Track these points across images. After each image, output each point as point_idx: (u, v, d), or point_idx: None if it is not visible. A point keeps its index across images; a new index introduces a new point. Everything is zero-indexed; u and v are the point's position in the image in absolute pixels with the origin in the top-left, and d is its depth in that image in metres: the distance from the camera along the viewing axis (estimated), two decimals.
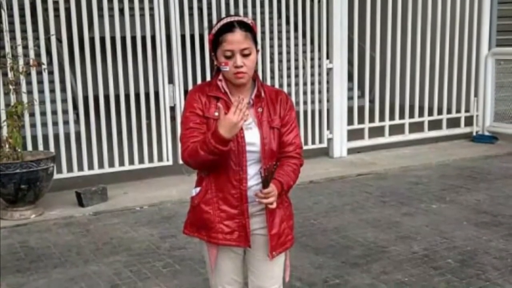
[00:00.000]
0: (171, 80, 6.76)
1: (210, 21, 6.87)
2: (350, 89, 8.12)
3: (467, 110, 8.70)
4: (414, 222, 5.15)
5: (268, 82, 7.30)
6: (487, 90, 8.58)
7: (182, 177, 6.42)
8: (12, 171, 5.24)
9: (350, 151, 7.81)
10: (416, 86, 8.26)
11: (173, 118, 6.77)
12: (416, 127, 8.37)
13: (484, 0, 8.54)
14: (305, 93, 7.77)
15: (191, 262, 4.32)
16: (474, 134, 8.63)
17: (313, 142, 7.62)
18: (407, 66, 8.20)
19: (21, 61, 5.69)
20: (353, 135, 7.88)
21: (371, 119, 8.01)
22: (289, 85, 7.46)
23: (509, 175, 6.63)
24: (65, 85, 6.40)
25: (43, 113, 6.23)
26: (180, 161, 2.42)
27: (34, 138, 6.15)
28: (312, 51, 8.14)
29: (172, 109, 6.78)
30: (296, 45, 7.52)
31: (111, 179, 6.46)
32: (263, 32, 7.40)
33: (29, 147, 6.05)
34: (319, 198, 5.94)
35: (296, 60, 7.56)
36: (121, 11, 6.56)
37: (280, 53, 7.61)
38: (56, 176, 5.92)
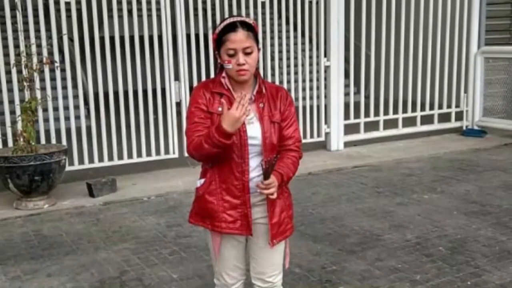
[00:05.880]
0: (177, 77, 6.74)
1: (214, 21, 6.85)
2: (347, 85, 8.09)
3: (457, 106, 8.67)
4: (407, 211, 5.15)
5: (269, 79, 7.28)
6: (476, 87, 8.56)
7: (187, 169, 6.41)
8: (26, 163, 5.24)
9: (347, 144, 7.80)
10: (409, 82, 8.23)
11: (178, 113, 6.76)
12: (409, 121, 8.34)
13: (473, 1, 8.50)
14: (304, 89, 7.75)
15: (196, 250, 4.32)
16: (464, 128, 8.61)
17: (312, 136, 7.61)
18: (400, 64, 8.18)
19: (35, 59, 5.67)
20: (349, 129, 7.86)
21: (367, 114, 7.99)
22: (288, 81, 7.44)
23: (497, 167, 6.62)
24: (77, 82, 6.41)
25: (55, 109, 6.23)
26: (186, 154, 2.40)
27: (47, 132, 6.15)
28: (310, 49, 8.12)
29: (178, 104, 6.78)
30: (295, 44, 7.48)
31: (120, 171, 6.46)
32: (264, 32, 7.38)
33: (43, 140, 6.05)
34: (317, 189, 5.94)
35: (296, 58, 7.53)
36: (130, 11, 6.54)
37: (280, 51, 7.58)
38: (68, 168, 5.92)
